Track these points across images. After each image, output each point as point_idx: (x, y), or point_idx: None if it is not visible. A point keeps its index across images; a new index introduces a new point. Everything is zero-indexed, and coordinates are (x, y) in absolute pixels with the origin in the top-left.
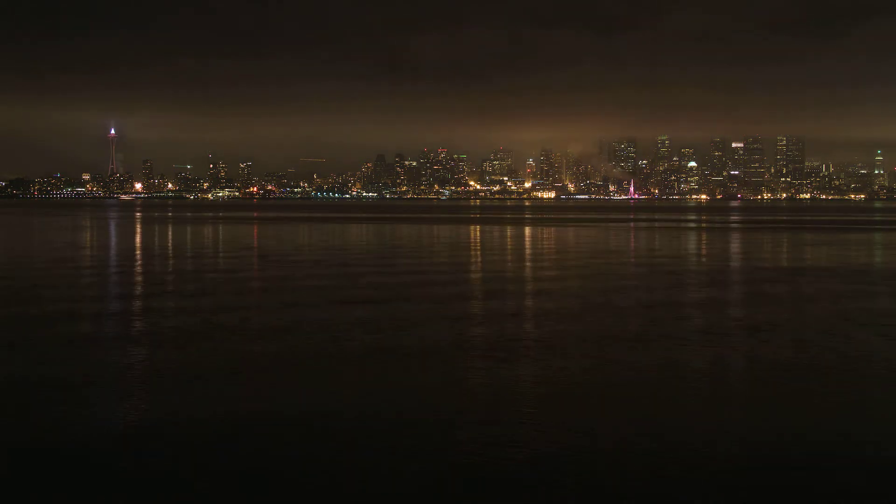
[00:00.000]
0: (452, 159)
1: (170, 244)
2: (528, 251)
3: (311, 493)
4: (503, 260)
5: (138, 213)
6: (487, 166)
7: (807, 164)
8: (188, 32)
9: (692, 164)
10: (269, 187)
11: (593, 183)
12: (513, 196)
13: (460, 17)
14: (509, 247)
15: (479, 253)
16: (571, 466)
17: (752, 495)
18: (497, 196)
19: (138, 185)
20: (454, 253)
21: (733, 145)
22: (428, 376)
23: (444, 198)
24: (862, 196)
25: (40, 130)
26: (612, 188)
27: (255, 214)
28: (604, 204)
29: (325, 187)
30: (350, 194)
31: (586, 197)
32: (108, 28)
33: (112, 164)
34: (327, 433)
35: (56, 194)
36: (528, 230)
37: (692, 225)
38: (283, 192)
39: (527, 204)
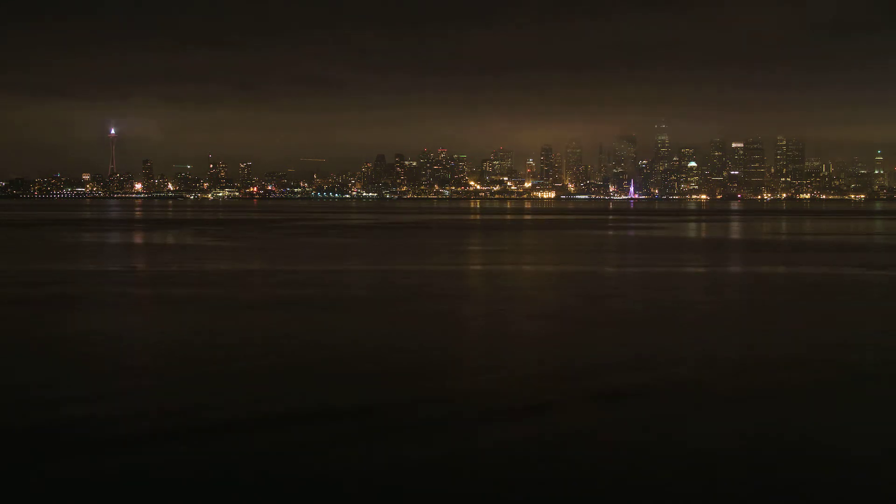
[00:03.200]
0: (452, 159)
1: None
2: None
3: None
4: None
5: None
6: (487, 166)
7: (807, 164)
8: (189, 33)
9: (692, 164)
10: (270, 187)
11: (593, 183)
12: (513, 196)
13: (461, 17)
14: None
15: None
16: None
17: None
18: (497, 196)
19: (138, 185)
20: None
21: (733, 145)
22: None
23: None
24: (862, 196)
25: (40, 130)
26: (612, 188)
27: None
28: (601, 206)
29: (325, 187)
30: (350, 194)
31: (586, 197)
32: (109, 27)
33: (112, 164)
34: None
35: (56, 194)
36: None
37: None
38: (283, 192)
39: (527, 205)
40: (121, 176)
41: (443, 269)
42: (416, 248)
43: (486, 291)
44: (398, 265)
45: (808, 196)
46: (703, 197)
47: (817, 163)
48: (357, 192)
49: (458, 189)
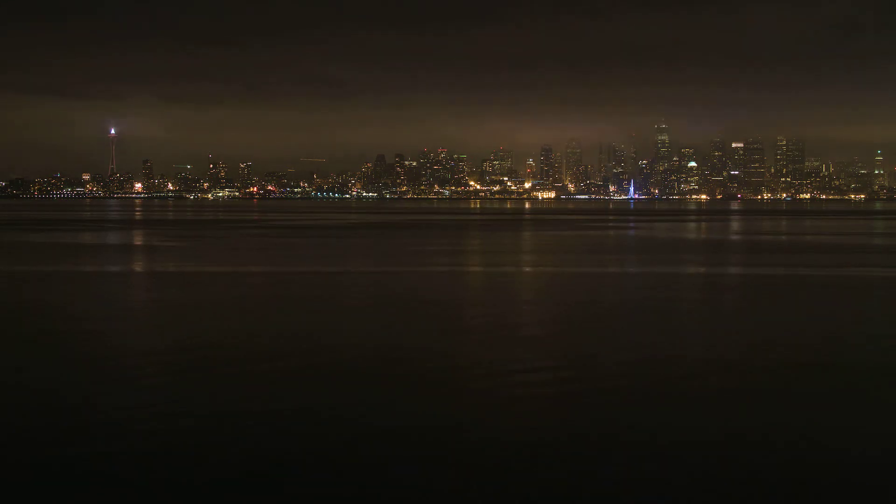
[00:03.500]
0: (452, 159)
1: None
2: None
3: None
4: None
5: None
6: (487, 166)
7: (807, 164)
8: (189, 33)
9: (692, 164)
10: (269, 187)
11: (593, 183)
12: (513, 196)
13: (461, 17)
14: None
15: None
16: None
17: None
18: (497, 196)
19: (138, 185)
20: None
21: (733, 145)
22: None
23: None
24: (862, 196)
25: (40, 130)
26: (612, 188)
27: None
28: (601, 206)
29: (325, 187)
30: (350, 194)
31: (586, 197)
32: (109, 27)
33: (112, 164)
34: None
35: (56, 194)
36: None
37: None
38: (283, 192)
39: (527, 206)
40: (121, 176)
41: (444, 271)
42: (417, 249)
43: (488, 293)
44: (399, 266)
45: (808, 196)
46: (703, 197)
47: (817, 163)
48: (357, 192)
49: (458, 189)
